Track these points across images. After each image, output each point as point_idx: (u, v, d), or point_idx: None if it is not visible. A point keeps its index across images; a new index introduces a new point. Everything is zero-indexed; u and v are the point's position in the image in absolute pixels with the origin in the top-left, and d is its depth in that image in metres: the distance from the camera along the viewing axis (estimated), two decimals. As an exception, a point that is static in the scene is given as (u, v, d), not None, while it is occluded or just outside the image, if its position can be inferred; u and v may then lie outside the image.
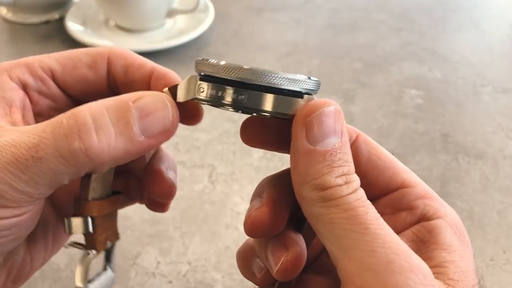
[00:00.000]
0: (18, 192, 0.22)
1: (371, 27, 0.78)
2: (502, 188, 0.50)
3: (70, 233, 0.26)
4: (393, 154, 0.26)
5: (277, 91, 0.22)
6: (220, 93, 0.23)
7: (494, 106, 0.61)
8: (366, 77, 0.66)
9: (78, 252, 0.27)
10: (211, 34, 0.74)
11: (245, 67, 0.22)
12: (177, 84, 0.25)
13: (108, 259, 0.30)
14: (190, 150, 0.54)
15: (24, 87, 0.27)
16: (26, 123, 0.26)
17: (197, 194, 0.49)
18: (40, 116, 0.28)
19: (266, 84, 0.22)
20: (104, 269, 0.29)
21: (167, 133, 0.24)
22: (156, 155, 0.30)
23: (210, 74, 0.23)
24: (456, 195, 0.49)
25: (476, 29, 0.77)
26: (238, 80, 0.22)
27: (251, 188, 0.49)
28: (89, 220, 0.26)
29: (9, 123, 0.25)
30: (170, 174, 0.30)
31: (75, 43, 0.70)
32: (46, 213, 0.29)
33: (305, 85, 0.23)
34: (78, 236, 0.26)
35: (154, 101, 0.24)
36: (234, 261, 0.42)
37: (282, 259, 0.23)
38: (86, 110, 0.22)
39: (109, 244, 0.28)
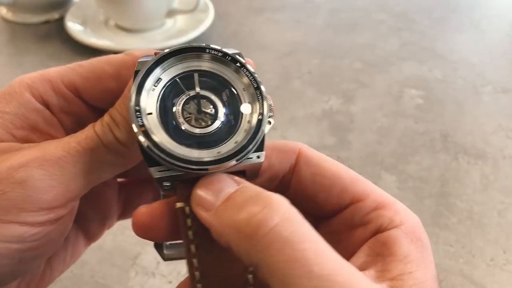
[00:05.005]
0: (54, 188, 0.22)
1: (371, 27, 0.78)
2: (502, 188, 0.50)
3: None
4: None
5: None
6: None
7: (494, 106, 0.61)
8: (366, 77, 0.66)
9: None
10: (211, 34, 0.74)
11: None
12: None
13: None
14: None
15: (47, 106, 0.26)
16: None
17: (197, 194, 0.49)
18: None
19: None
20: None
21: None
22: None
23: None
24: (456, 195, 0.49)
25: (476, 29, 0.77)
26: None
27: (251, 188, 0.49)
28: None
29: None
30: None
31: (75, 43, 0.70)
32: None
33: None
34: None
35: None
36: (234, 261, 0.42)
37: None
38: None
39: None
